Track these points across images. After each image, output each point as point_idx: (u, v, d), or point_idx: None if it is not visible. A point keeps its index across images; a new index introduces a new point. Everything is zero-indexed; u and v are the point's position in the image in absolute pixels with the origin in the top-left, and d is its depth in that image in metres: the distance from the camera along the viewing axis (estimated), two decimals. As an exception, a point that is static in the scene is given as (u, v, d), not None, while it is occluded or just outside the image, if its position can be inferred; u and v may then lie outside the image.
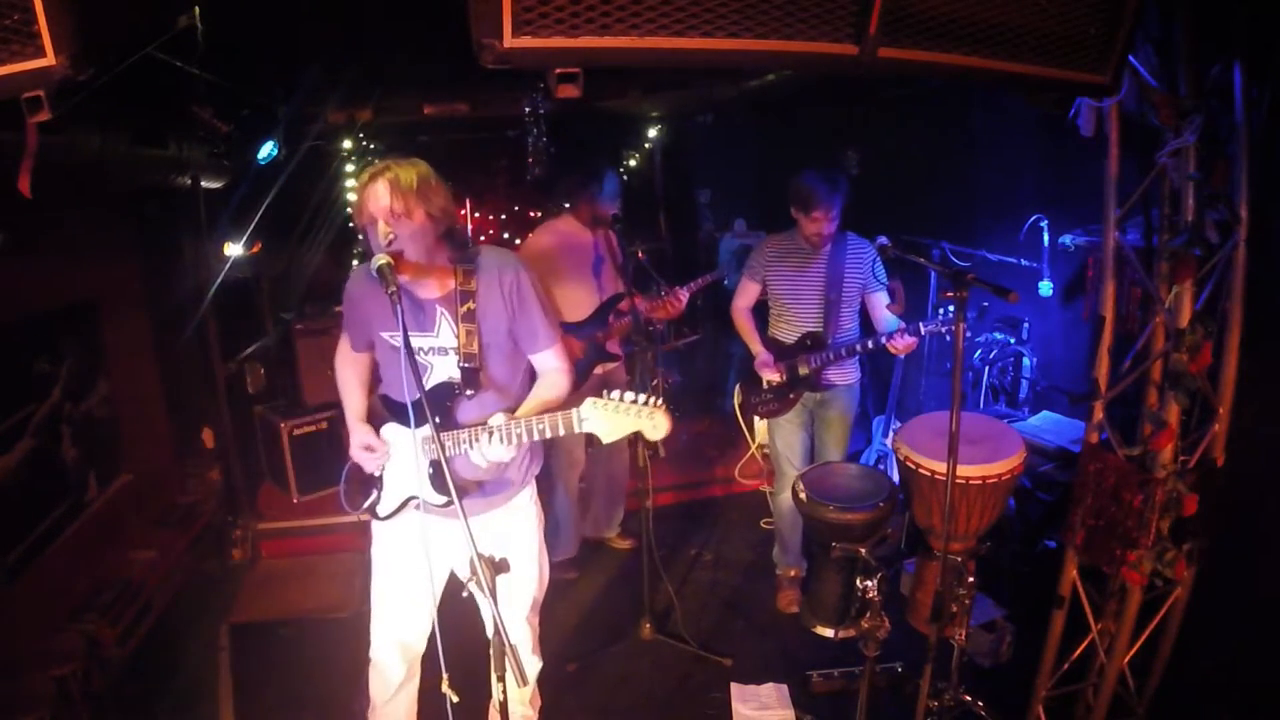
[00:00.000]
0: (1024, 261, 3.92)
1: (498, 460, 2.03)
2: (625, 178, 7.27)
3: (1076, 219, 3.64)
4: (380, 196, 1.92)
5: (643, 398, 1.89)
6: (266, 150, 4.12)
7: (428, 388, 2.06)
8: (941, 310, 3.14)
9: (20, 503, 3.04)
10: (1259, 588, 2.45)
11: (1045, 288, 3.81)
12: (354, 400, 2.29)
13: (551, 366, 2.20)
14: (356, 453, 2.21)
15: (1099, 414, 2.41)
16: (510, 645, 1.64)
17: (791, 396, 3.32)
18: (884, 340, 3.06)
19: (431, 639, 2.26)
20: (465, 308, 1.92)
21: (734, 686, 2.99)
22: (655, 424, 1.89)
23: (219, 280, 4.03)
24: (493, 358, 2.11)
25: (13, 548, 2.96)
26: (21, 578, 2.97)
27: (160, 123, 3.36)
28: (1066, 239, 3.70)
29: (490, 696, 1.95)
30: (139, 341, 4.16)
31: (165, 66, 2.84)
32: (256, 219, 4.26)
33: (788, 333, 3.32)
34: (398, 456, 2.21)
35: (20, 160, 1.97)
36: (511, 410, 2.09)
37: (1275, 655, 2.36)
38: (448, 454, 2.01)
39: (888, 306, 3.22)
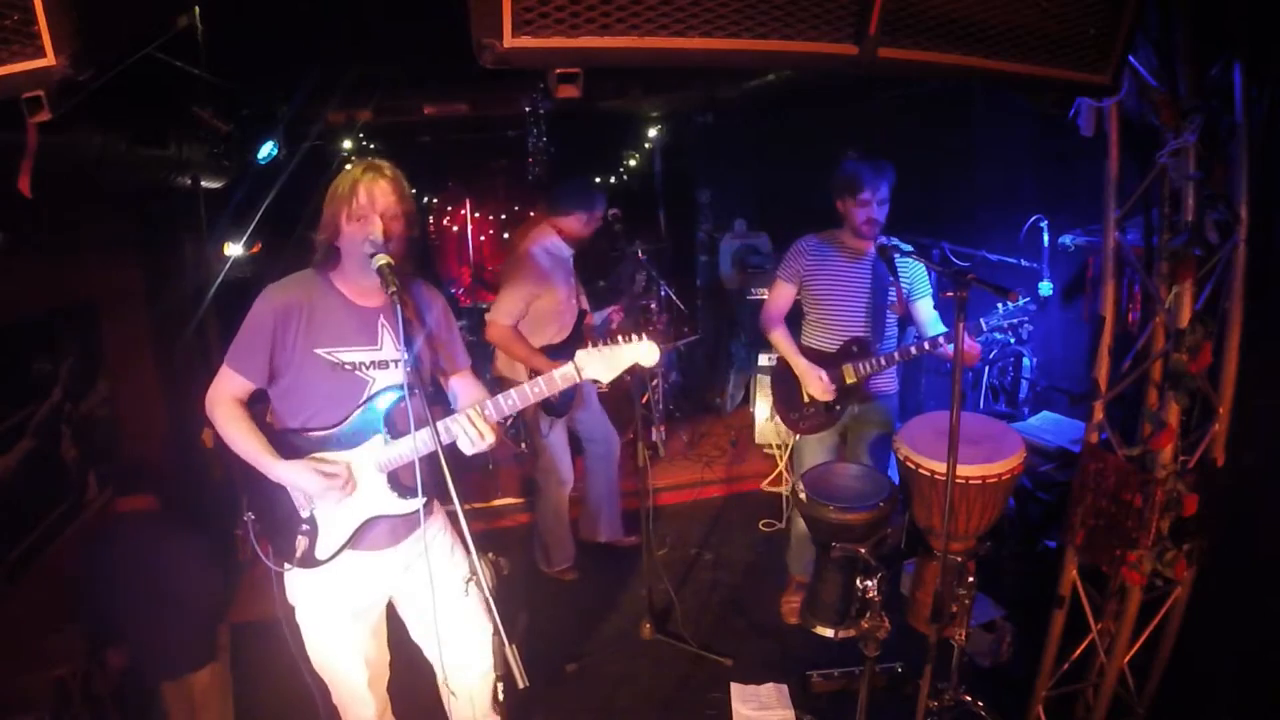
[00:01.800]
0: (1024, 261, 3.92)
1: (489, 443, 1.97)
2: (625, 177, 7.29)
3: (1076, 219, 3.64)
4: (386, 194, 1.91)
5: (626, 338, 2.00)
6: (266, 150, 4.12)
7: (372, 394, 2.01)
8: (1001, 306, 2.80)
9: (20, 503, 3.04)
10: (1259, 588, 2.45)
11: (1045, 288, 3.81)
12: (260, 440, 1.96)
13: (476, 385, 2.21)
14: (314, 485, 1.93)
15: (1099, 414, 2.41)
16: (510, 645, 1.64)
17: (839, 409, 3.14)
18: (941, 343, 2.86)
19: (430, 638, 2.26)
20: (408, 316, 1.86)
21: (734, 686, 2.99)
22: (647, 350, 1.98)
23: (219, 280, 4.03)
24: (427, 366, 2.12)
25: (13, 548, 2.95)
26: (22, 578, 2.97)
27: (160, 123, 3.36)
28: (1066, 239, 3.71)
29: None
30: (139, 341, 4.15)
31: (165, 66, 2.84)
32: (256, 219, 4.26)
33: (828, 340, 3.14)
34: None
35: (20, 160, 1.97)
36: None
37: (1275, 655, 2.36)
38: (410, 456, 1.97)
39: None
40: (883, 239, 3.03)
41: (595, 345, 2.00)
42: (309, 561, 2.01)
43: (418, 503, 1.99)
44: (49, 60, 1.33)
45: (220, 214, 4.24)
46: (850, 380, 3.07)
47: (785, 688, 2.97)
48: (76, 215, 3.44)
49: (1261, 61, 2.05)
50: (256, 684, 3.07)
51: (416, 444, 1.95)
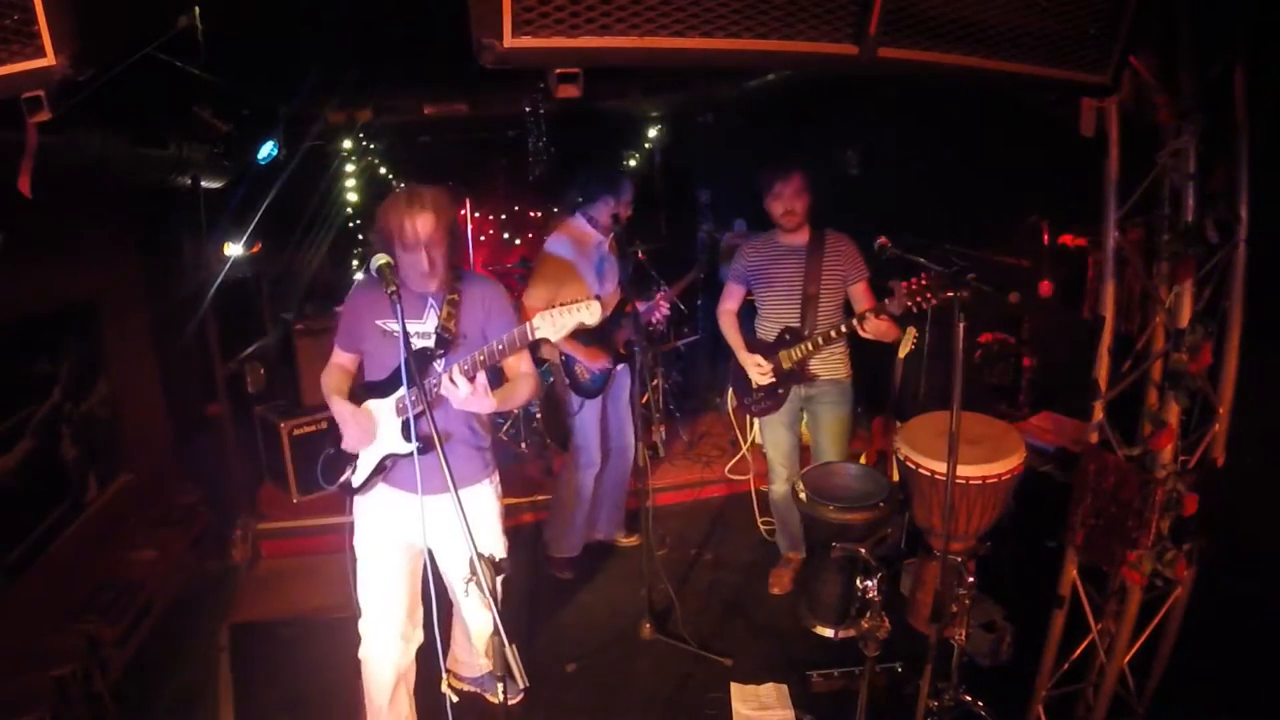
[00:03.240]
0: (1024, 262, 3.91)
1: (466, 397, 2.20)
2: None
3: (1076, 219, 3.64)
4: (428, 227, 2.21)
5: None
6: (266, 150, 4.12)
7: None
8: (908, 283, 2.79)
9: (20, 503, 3.04)
10: (1259, 588, 2.45)
11: (1045, 288, 3.80)
12: (335, 387, 2.48)
13: (524, 370, 2.50)
14: (345, 420, 2.40)
15: (1099, 414, 2.41)
16: (510, 645, 1.64)
17: (781, 392, 3.36)
18: (855, 322, 3.04)
19: (431, 639, 2.26)
20: (450, 297, 2.33)
21: (734, 686, 2.99)
22: (589, 310, 2.16)
23: (219, 280, 4.03)
24: (464, 344, 2.37)
25: (13, 548, 2.96)
26: (21, 578, 2.97)
27: (160, 123, 3.36)
28: (1067, 239, 3.71)
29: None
30: (139, 341, 4.16)
31: (165, 66, 2.84)
32: (256, 219, 4.26)
33: (769, 330, 3.37)
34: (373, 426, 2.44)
35: (20, 160, 1.97)
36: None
37: (1275, 655, 2.36)
38: (424, 405, 2.16)
39: (888, 303, 3.20)
40: (881, 238, 3.03)
41: (555, 306, 2.18)
42: (348, 488, 2.46)
43: (410, 446, 2.30)
44: (49, 60, 1.34)
45: (220, 214, 4.24)
46: (787, 365, 3.29)
47: (785, 688, 2.97)
48: (76, 215, 3.45)
49: (1262, 61, 2.05)
50: (257, 684, 3.07)
51: (425, 393, 2.15)
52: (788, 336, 3.29)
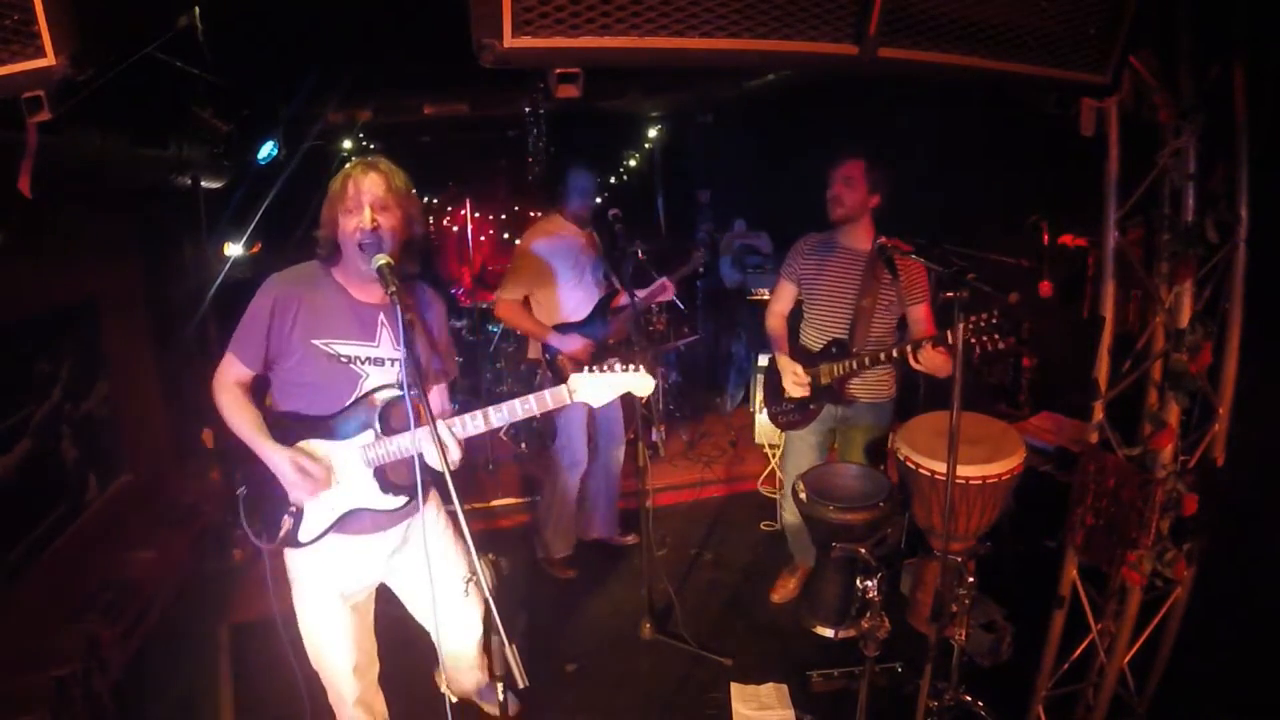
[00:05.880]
0: (1024, 262, 3.92)
1: (453, 458, 1.97)
2: (625, 177, 7.30)
3: (1076, 219, 3.64)
4: (374, 186, 1.93)
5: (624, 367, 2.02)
6: (266, 150, 4.12)
7: (364, 393, 2.03)
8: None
9: (20, 503, 3.04)
10: (1259, 588, 2.45)
11: (1045, 288, 3.80)
12: (254, 420, 2.01)
13: (446, 400, 2.24)
14: (291, 476, 1.97)
15: (1099, 414, 2.41)
16: (510, 645, 1.64)
17: (813, 408, 3.16)
18: (909, 350, 2.74)
19: (428, 636, 2.26)
20: (407, 317, 1.85)
21: (734, 686, 2.99)
22: (641, 381, 2.01)
23: (219, 280, 4.03)
24: (425, 368, 2.12)
25: (13, 548, 2.96)
26: (21, 578, 2.97)
27: (160, 123, 3.36)
28: (1067, 239, 3.71)
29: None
30: (139, 341, 4.16)
31: (165, 66, 2.85)
32: (256, 219, 4.26)
33: (815, 339, 3.16)
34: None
35: (20, 160, 1.97)
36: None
37: (1275, 655, 2.36)
38: (398, 455, 2.01)
39: (949, 334, 3.10)
40: (882, 239, 3.02)
41: (589, 368, 2.01)
42: (290, 541, 2.05)
43: (400, 501, 2.05)
44: (49, 60, 1.34)
45: (220, 214, 4.24)
46: (825, 380, 3.06)
47: (785, 688, 2.97)
48: (76, 215, 3.45)
49: (1262, 61, 2.05)
50: (256, 684, 3.06)
51: (414, 443, 1.97)
52: (834, 350, 3.06)
